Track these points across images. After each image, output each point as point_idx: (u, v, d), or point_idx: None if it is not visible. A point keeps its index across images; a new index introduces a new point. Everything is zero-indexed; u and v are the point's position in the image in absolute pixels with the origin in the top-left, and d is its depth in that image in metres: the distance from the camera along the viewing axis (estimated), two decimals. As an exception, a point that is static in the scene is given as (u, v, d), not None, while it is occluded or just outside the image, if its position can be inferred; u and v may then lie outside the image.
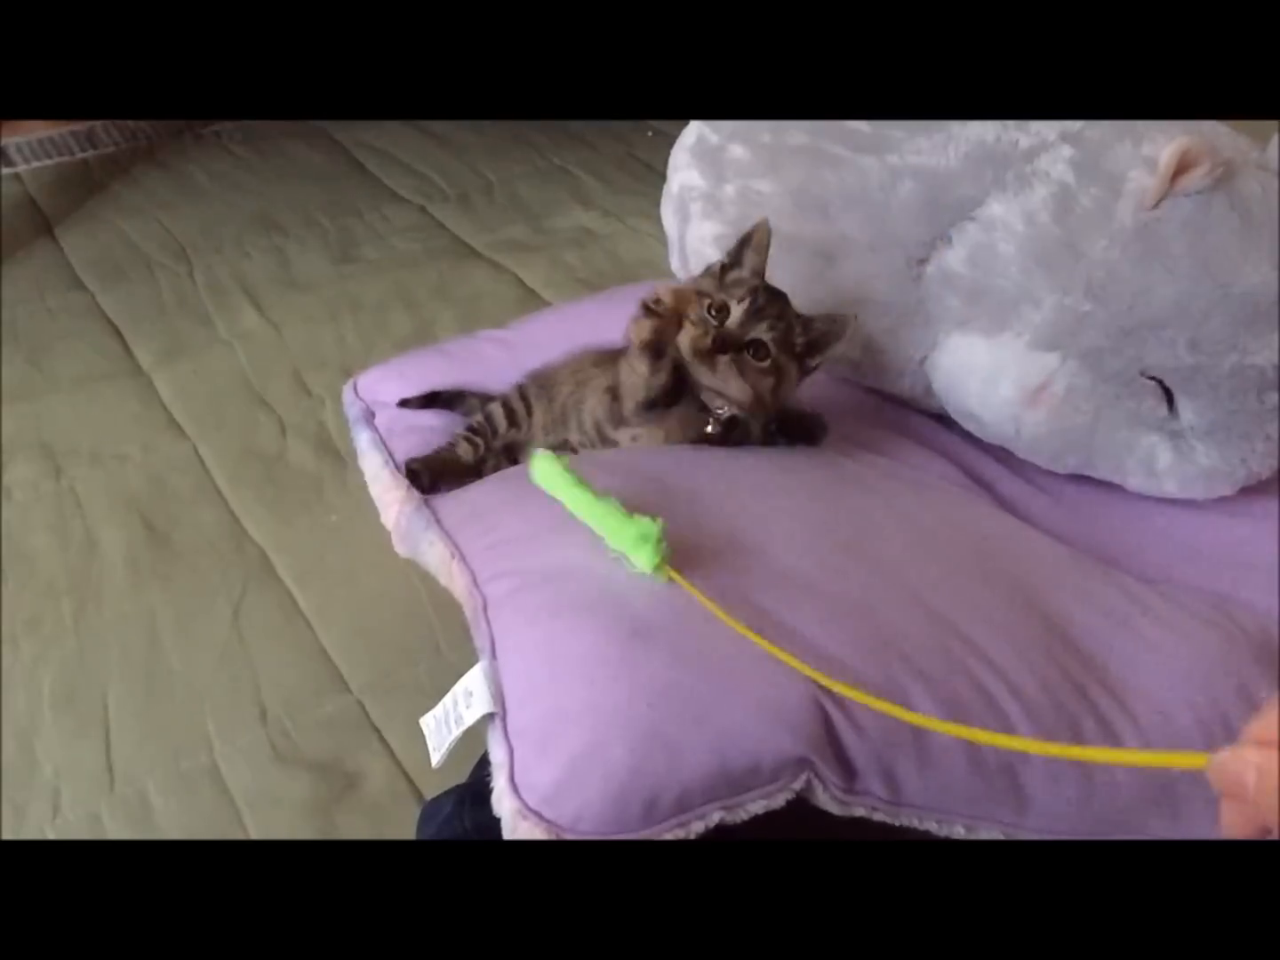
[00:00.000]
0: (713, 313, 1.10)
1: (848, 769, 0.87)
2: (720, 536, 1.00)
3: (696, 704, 0.84)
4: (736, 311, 1.09)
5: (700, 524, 1.01)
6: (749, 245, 1.15)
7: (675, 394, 1.12)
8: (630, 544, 0.91)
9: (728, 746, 0.83)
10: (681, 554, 0.95)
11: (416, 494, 1.20)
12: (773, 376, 1.10)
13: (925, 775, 0.88)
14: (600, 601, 0.92)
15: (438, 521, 1.11)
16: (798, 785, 0.85)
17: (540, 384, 1.30)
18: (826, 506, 1.06)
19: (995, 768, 0.89)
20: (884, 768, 0.87)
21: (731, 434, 1.14)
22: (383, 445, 1.33)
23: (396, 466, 1.29)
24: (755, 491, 1.08)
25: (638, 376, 1.11)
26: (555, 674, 0.88)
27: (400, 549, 1.17)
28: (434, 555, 1.08)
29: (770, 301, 1.11)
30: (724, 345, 1.08)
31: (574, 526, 1.00)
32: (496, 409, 1.29)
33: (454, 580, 1.04)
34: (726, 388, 1.10)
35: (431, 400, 1.37)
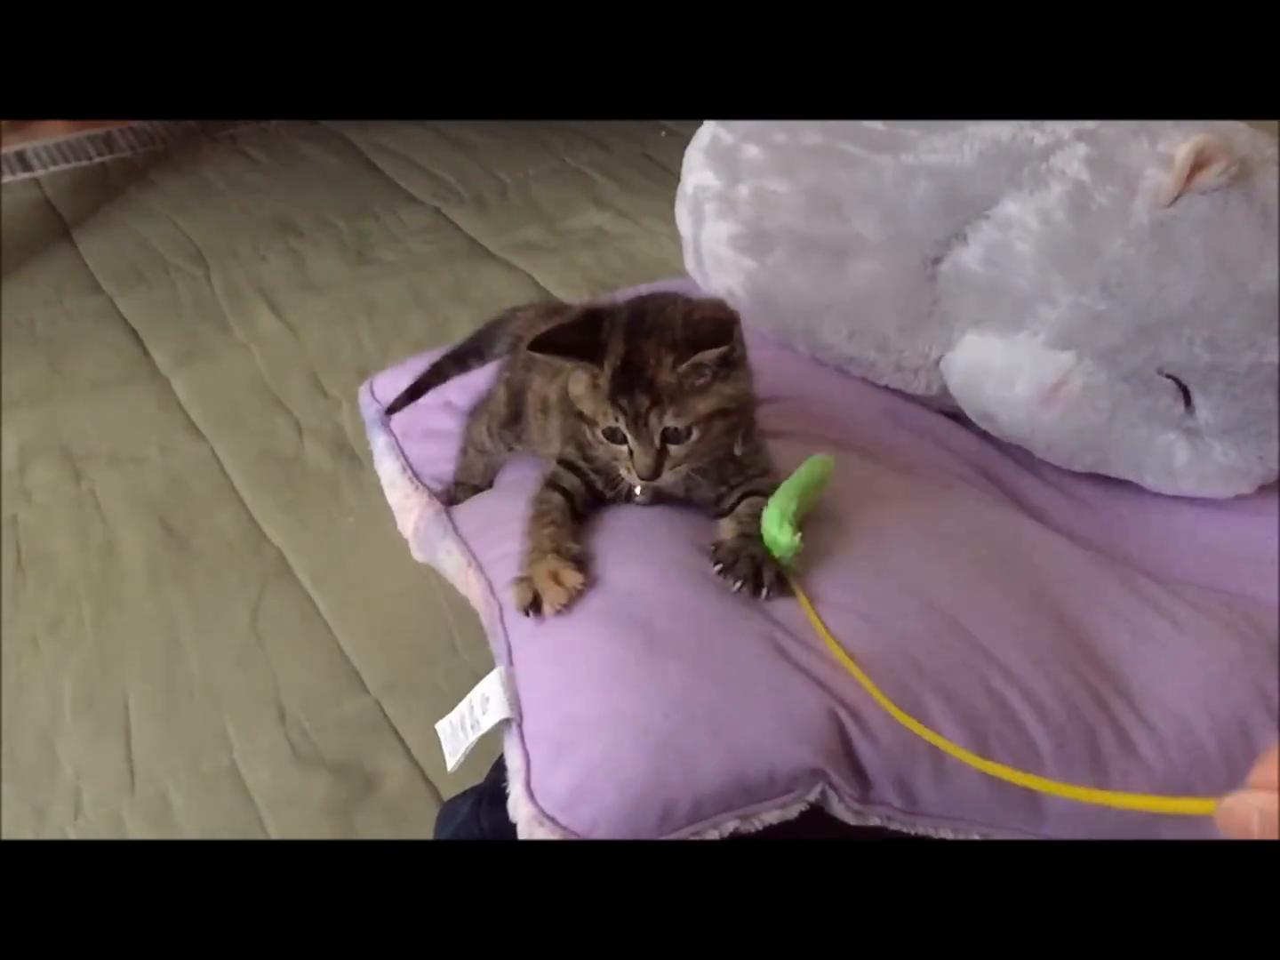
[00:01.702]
0: (617, 442, 0.96)
1: (863, 779, 0.87)
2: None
3: (713, 714, 0.84)
4: (626, 430, 0.94)
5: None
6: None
7: None
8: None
9: (743, 757, 0.83)
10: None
11: (436, 502, 1.20)
12: (714, 420, 0.95)
13: (941, 785, 0.88)
14: (618, 611, 0.92)
15: (455, 529, 1.12)
16: (812, 796, 0.85)
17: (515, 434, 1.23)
18: (842, 514, 1.06)
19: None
20: (899, 778, 0.87)
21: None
22: (399, 450, 1.33)
23: (414, 473, 1.29)
24: None
25: None
26: (572, 681, 0.89)
27: (418, 555, 1.18)
28: (451, 563, 1.09)
29: (631, 391, 0.93)
30: (653, 475, 0.95)
31: (590, 534, 1.01)
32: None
33: (471, 587, 1.05)
34: (696, 473, 0.99)
35: (416, 392, 1.35)
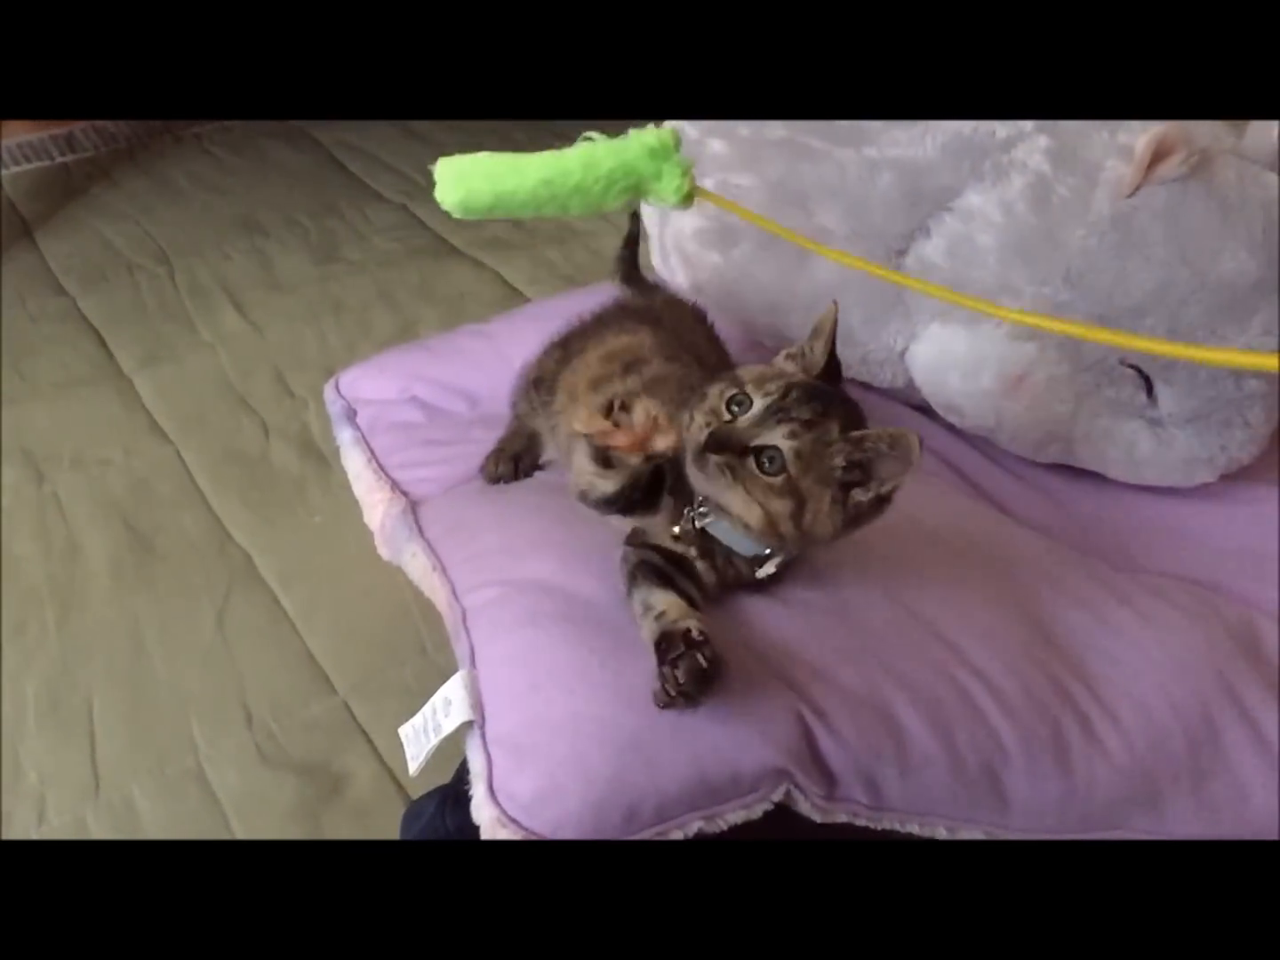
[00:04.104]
0: (731, 407, 0.87)
1: (828, 777, 0.87)
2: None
3: (676, 715, 0.84)
4: (756, 407, 0.86)
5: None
6: (814, 333, 0.92)
7: (648, 498, 0.92)
8: (647, 166, 0.70)
9: (707, 757, 0.83)
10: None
11: (401, 498, 1.19)
12: (789, 499, 0.85)
13: (906, 780, 0.88)
14: (580, 614, 0.92)
15: (420, 531, 1.11)
16: (776, 796, 0.85)
17: (543, 399, 1.15)
18: None
19: (977, 771, 0.89)
20: (865, 775, 0.87)
21: (706, 547, 0.91)
22: (365, 443, 1.32)
23: (379, 464, 1.27)
24: None
25: (586, 474, 0.92)
26: (535, 683, 0.88)
27: (383, 552, 1.17)
28: (416, 566, 1.09)
29: (807, 402, 0.85)
30: (718, 445, 0.84)
31: (553, 543, 1.00)
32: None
33: (435, 591, 1.04)
34: (724, 499, 0.86)
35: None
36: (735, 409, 0.86)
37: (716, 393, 0.88)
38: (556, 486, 1.12)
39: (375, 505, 1.22)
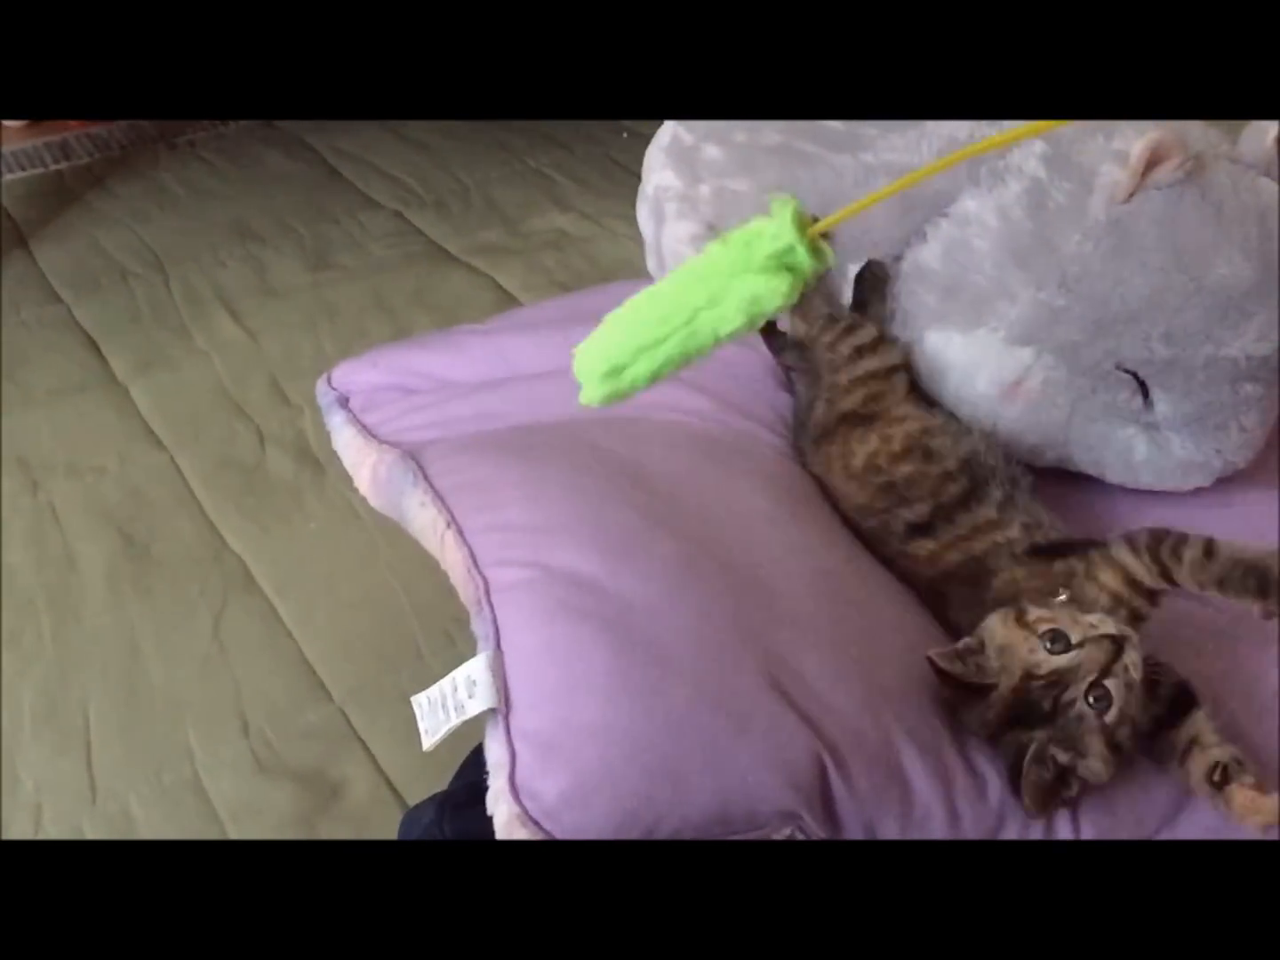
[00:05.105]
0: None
1: (834, 824, 0.85)
2: (743, 567, 0.98)
3: (712, 744, 0.83)
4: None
5: (722, 549, 0.99)
6: None
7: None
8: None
9: (733, 792, 0.82)
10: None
11: (396, 449, 1.15)
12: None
13: (906, 834, 0.87)
14: (622, 619, 0.89)
15: (426, 478, 1.06)
16: (779, 836, 0.84)
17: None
18: (829, 552, 1.05)
19: (971, 829, 0.88)
20: (867, 825, 0.86)
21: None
22: (356, 421, 1.27)
23: (370, 434, 1.22)
24: (769, 522, 1.05)
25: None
26: (572, 685, 0.86)
27: (376, 502, 1.13)
28: (424, 517, 1.04)
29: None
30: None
31: (591, 530, 0.97)
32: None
33: (445, 551, 1.00)
34: (998, 629, 0.92)
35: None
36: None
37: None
38: (589, 465, 1.07)
39: (363, 464, 1.17)
